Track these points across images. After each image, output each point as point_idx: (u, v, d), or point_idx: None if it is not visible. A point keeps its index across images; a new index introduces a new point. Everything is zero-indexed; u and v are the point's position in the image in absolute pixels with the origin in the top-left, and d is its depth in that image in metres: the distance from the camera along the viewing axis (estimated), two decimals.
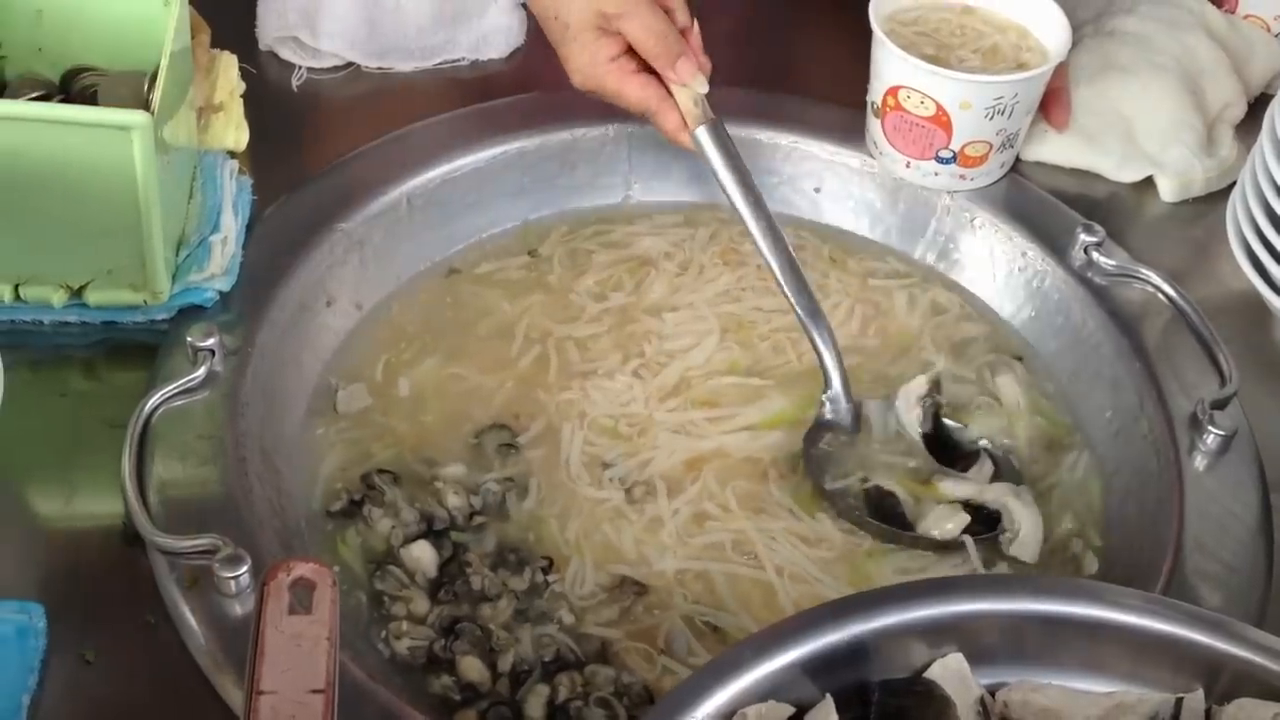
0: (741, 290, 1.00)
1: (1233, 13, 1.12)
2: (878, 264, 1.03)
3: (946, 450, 0.91)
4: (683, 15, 0.95)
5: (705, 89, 0.93)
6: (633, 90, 0.93)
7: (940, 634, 0.67)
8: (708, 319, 0.98)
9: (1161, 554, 0.83)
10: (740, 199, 0.91)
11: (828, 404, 0.90)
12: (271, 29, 1.06)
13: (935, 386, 0.92)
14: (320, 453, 0.88)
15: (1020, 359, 0.96)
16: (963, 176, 1.00)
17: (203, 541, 0.74)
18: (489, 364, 0.94)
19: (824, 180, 1.05)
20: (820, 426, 0.90)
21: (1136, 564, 0.84)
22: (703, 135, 0.92)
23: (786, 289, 0.90)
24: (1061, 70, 1.01)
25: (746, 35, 1.14)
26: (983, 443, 0.91)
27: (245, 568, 0.73)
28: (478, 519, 0.85)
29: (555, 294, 0.98)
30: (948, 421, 0.92)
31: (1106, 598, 0.70)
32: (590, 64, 0.93)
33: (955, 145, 0.97)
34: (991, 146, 0.98)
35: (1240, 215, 0.93)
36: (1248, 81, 1.07)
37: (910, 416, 0.90)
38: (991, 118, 0.96)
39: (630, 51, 0.93)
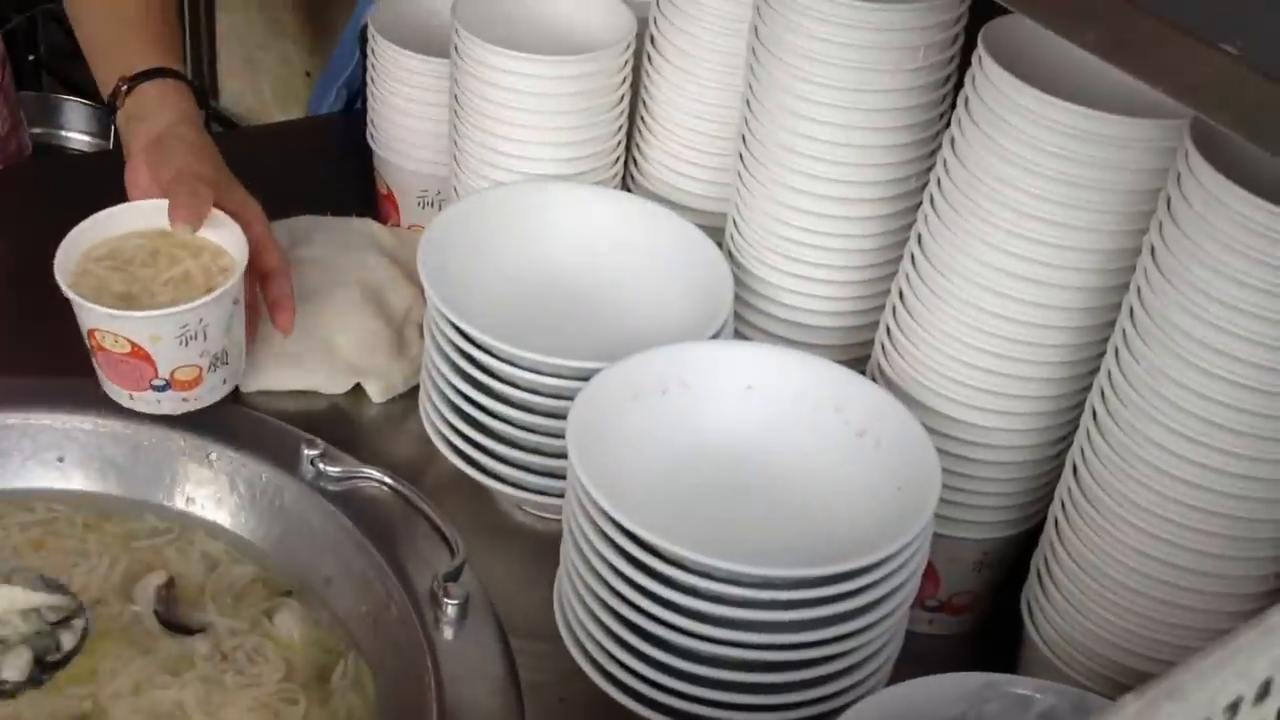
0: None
1: (398, 226, 1.26)
2: (137, 524, 1.06)
3: (174, 627, 0.99)
4: None
5: None
6: None
7: None
8: None
9: None
10: None
11: None
12: None
13: (170, 581, 1.01)
14: None
15: (290, 592, 1.02)
16: (185, 399, 1.05)
17: None
18: None
19: (65, 449, 1.08)
20: None
21: None
22: None
23: None
24: (279, 278, 1.09)
25: None
26: None
27: None
28: None
29: None
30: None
31: None
32: None
33: (164, 374, 1.02)
34: (202, 368, 1.03)
35: (428, 406, 1.05)
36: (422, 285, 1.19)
37: (145, 602, 0.99)
38: (187, 344, 1.01)
39: None
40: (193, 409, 1.05)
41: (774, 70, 0.96)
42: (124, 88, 1.13)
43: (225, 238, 1.06)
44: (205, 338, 1.02)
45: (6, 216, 1.30)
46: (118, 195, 1.09)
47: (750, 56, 0.99)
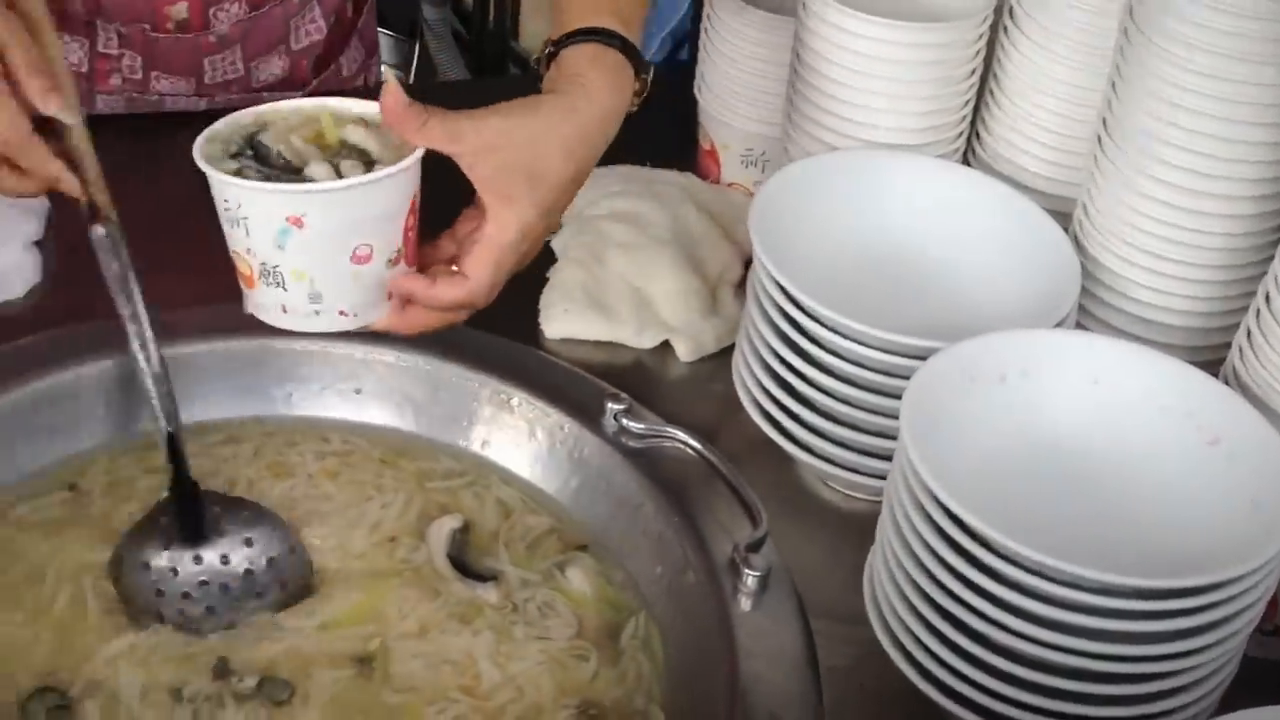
0: (295, 499, 1.05)
1: (718, 182, 1.28)
2: (432, 464, 1.09)
3: (466, 573, 1.01)
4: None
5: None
6: None
7: None
8: None
9: (722, 697, 0.92)
10: (123, 307, 0.97)
11: None
12: None
13: (465, 526, 1.03)
14: None
15: (585, 547, 1.05)
16: (247, 297, 0.98)
17: None
18: (28, 613, 0.95)
19: (364, 380, 1.11)
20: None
21: (699, 711, 0.94)
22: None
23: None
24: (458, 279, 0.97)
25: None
26: None
27: None
28: None
29: (97, 528, 1.00)
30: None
31: None
32: None
33: (229, 248, 0.96)
34: (252, 269, 0.95)
35: (742, 369, 1.06)
36: (739, 244, 1.21)
37: (438, 545, 1.01)
38: (232, 226, 0.94)
39: None
40: (259, 315, 0.98)
41: (1147, 55, 0.96)
42: (549, 50, 1.03)
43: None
44: (247, 232, 0.93)
45: None
46: None
47: (1121, 37, 0.98)
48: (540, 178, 0.96)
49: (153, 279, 1.16)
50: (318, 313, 0.96)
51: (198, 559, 0.99)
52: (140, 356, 0.99)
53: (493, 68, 2.40)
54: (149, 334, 0.98)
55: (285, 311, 0.97)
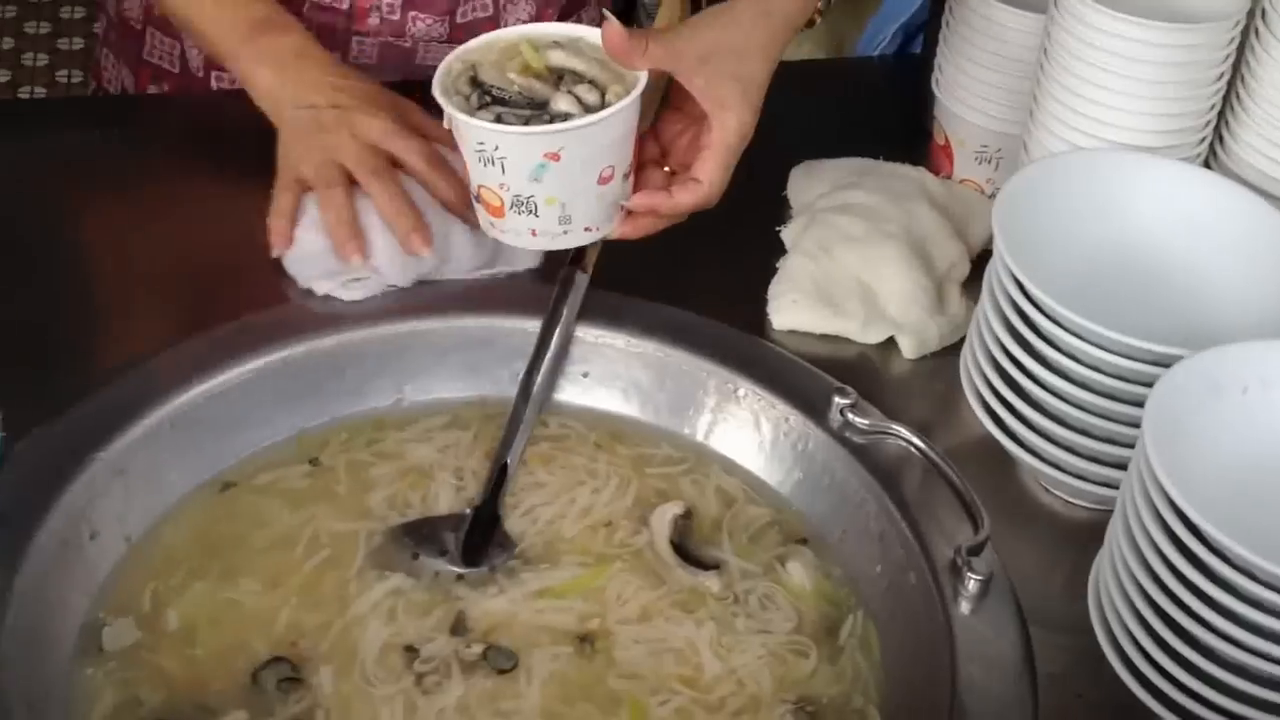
0: (511, 490, 1.07)
1: (949, 178, 1.27)
2: (651, 450, 1.10)
3: (689, 559, 1.03)
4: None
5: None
6: None
7: None
8: None
9: (940, 700, 0.93)
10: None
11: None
12: None
13: (687, 512, 1.04)
14: (90, 698, 0.90)
15: (805, 541, 1.05)
16: (492, 224, 1.06)
17: None
18: (269, 580, 0.98)
19: (592, 364, 1.13)
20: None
21: (916, 713, 0.95)
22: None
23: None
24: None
25: None
26: None
27: None
28: None
29: (344, 505, 1.04)
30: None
31: None
32: None
33: (474, 184, 1.04)
34: (503, 201, 1.02)
35: (971, 368, 1.06)
36: (968, 241, 1.21)
37: (661, 530, 1.03)
38: (485, 165, 1.01)
39: None
40: (504, 239, 1.06)
41: None
42: None
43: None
44: (502, 170, 1.00)
45: None
46: None
47: None
48: (749, 81, 1.04)
49: None
50: (566, 232, 1.05)
51: (460, 578, 1.01)
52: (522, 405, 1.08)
53: None
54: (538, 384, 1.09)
55: (535, 235, 1.05)
